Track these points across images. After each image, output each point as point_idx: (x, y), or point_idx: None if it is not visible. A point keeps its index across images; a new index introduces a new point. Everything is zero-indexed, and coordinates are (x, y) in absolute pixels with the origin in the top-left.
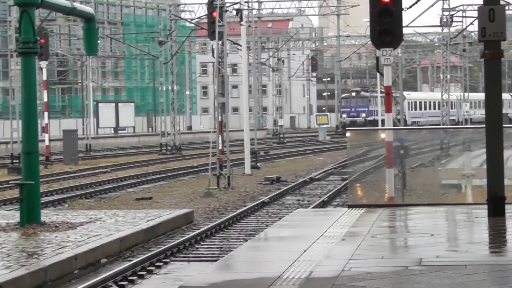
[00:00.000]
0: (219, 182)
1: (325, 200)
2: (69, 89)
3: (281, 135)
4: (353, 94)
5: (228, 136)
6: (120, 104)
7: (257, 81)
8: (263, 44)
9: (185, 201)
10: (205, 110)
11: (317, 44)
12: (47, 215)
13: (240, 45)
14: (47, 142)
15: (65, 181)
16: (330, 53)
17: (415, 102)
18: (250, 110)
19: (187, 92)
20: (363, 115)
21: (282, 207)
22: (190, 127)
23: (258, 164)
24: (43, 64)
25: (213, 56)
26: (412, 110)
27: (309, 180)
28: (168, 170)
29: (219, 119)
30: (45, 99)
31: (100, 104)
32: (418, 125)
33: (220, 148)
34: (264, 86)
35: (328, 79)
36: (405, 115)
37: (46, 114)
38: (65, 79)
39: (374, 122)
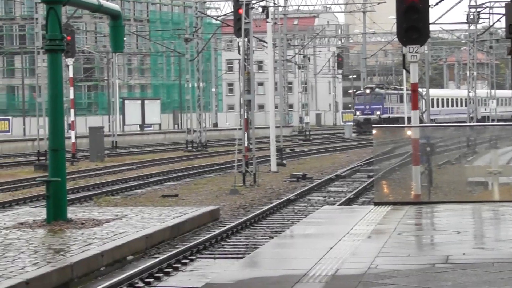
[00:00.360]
0: (245, 179)
1: (351, 197)
2: (95, 86)
3: (307, 132)
4: (367, 91)
5: (254, 133)
6: (146, 101)
7: (283, 78)
8: (289, 41)
9: (211, 198)
10: (231, 107)
11: (343, 41)
12: (74, 212)
13: (266, 42)
14: (73, 139)
15: (91, 178)
16: (356, 50)
17: (432, 99)
18: (276, 107)
19: (213, 89)
20: (378, 112)
21: (308, 205)
22: (216, 124)
23: (284, 161)
24: (70, 61)
25: (239, 53)
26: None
27: (335, 178)
28: (194, 167)
29: (245, 116)
30: (72, 96)
31: (126, 101)
32: (436, 123)
33: (246, 145)
34: (290, 83)
35: (354, 76)
36: (422, 113)
37: (72, 111)
38: (91, 76)
39: (389, 120)
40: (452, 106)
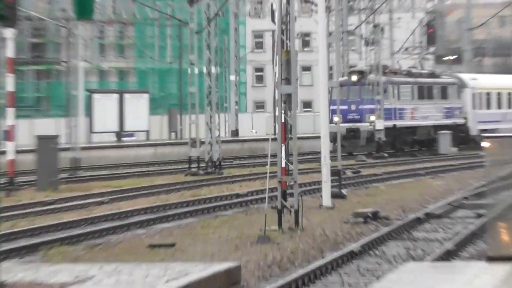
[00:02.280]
0: (282, 220)
1: (450, 249)
2: (48, 71)
3: (379, 144)
4: (353, 77)
5: (296, 146)
6: (126, 96)
7: (342, 60)
8: (351, 3)
9: (227, 249)
10: (259, 105)
11: (435, 2)
12: (10, 272)
13: (316, 5)
14: (11, 156)
15: (38, 217)
16: (455, 16)
17: (488, 94)
18: None
19: (232, 78)
20: (372, 117)
21: (383, 260)
22: (235, 132)
23: (343, 191)
24: (9, 33)
25: (272, 21)
26: (478, 108)
27: (424, 217)
28: (201, 200)
29: (282, 120)
30: (11, 88)
31: (95, 96)
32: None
33: (284, 165)
34: (353, 67)
35: (453, 57)
36: (465, 119)
37: (11, 110)
38: (42, 56)
39: (396, 131)
40: None
